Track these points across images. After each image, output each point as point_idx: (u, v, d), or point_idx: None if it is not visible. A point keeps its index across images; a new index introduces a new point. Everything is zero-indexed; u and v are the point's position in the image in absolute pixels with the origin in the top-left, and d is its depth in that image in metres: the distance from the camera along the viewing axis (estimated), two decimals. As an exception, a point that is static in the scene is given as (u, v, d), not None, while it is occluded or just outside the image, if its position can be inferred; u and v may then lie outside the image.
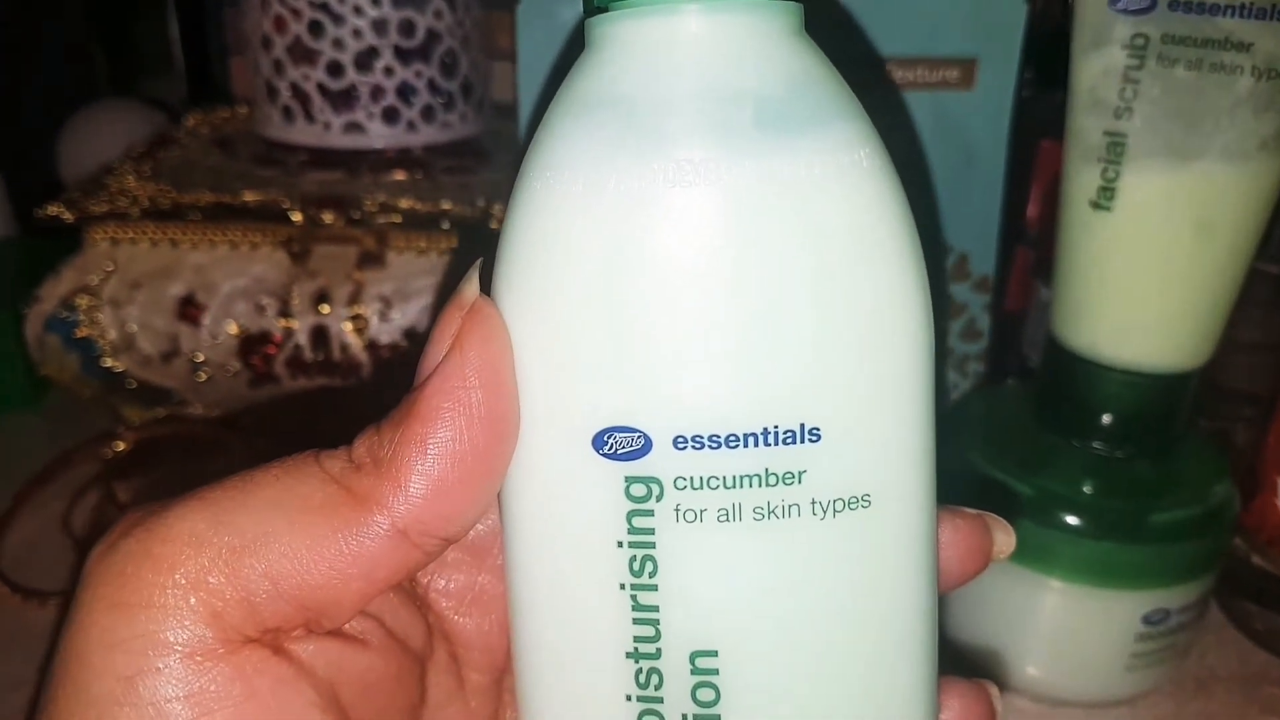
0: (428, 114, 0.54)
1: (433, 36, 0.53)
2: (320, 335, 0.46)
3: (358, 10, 0.51)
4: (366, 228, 0.47)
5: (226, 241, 0.47)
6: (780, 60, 0.18)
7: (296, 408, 0.48)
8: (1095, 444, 0.37)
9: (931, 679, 0.21)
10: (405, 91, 0.53)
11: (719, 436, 0.18)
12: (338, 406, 0.48)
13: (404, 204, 0.47)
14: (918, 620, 0.20)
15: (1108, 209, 0.34)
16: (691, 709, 0.19)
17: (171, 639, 0.18)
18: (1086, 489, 0.36)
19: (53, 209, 0.48)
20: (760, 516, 0.18)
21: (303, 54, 0.52)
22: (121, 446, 0.50)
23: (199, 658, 0.19)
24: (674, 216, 0.17)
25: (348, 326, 0.46)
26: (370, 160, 0.53)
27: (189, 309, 0.47)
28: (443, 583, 0.23)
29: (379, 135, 0.53)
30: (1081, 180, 0.35)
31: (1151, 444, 0.37)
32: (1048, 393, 0.39)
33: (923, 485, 0.20)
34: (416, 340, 0.46)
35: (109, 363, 0.48)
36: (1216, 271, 0.35)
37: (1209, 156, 0.33)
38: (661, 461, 0.18)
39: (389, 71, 0.52)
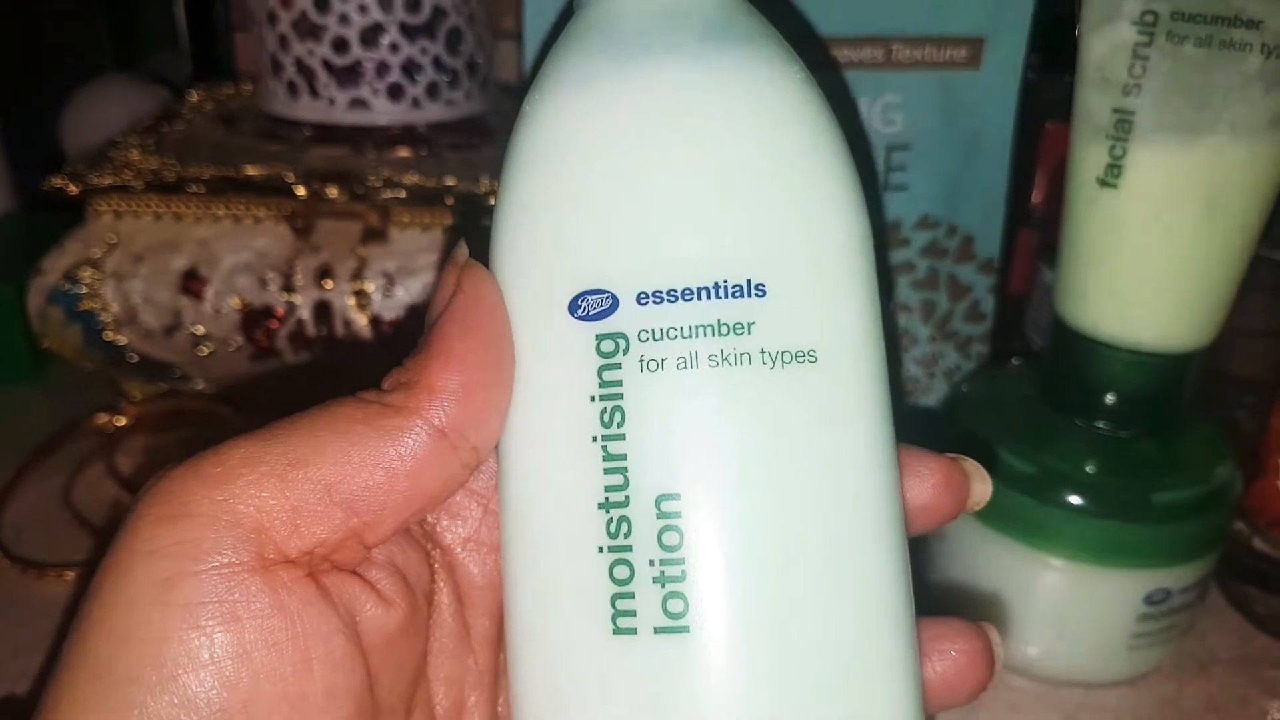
0: (432, 91, 0.54)
1: (438, 13, 0.52)
2: (323, 310, 0.46)
3: (363, -15, 0.51)
4: (370, 203, 0.47)
5: (230, 215, 0.47)
6: (722, 6, 0.22)
7: (298, 381, 0.48)
8: (1099, 423, 0.37)
9: (892, 518, 0.22)
10: (410, 68, 0.53)
11: (675, 291, 0.20)
12: (338, 382, 0.48)
13: (408, 180, 0.47)
14: (873, 468, 0.21)
15: (1115, 186, 0.34)
16: (658, 554, 0.20)
17: (210, 547, 0.19)
18: (1089, 468, 0.36)
19: (56, 182, 0.48)
20: (715, 364, 0.20)
21: (308, 29, 0.51)
22: (123, 420, 0.50)
23: (236, 568, 0.20)
24: (629, 105, 0.21)
25: (351, 302, 0.46)
26: (375, 136, 0.53)
27: (192, 283, 0.47)
28: (451, 526, 0.24)
29: (383, 111, 0.53)
30: (1089, 157, 0.34)
31: (1155, 424, 0.37)
32: (1052, 372, 0.39)
33: (867, 347, 0.22)
34: (420, 316, 0.46)
35: (111, 336, 0.47)
36: (1223, 250, 0.34)
37: (1218, 134, 0.33)
38: (627, 317, 0.21)
39: (394, 48, 0.52)
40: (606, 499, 0.20)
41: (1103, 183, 0.34)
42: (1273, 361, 0.46)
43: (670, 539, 0.20)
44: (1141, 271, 0.35)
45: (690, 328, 0.20)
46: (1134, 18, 0.33)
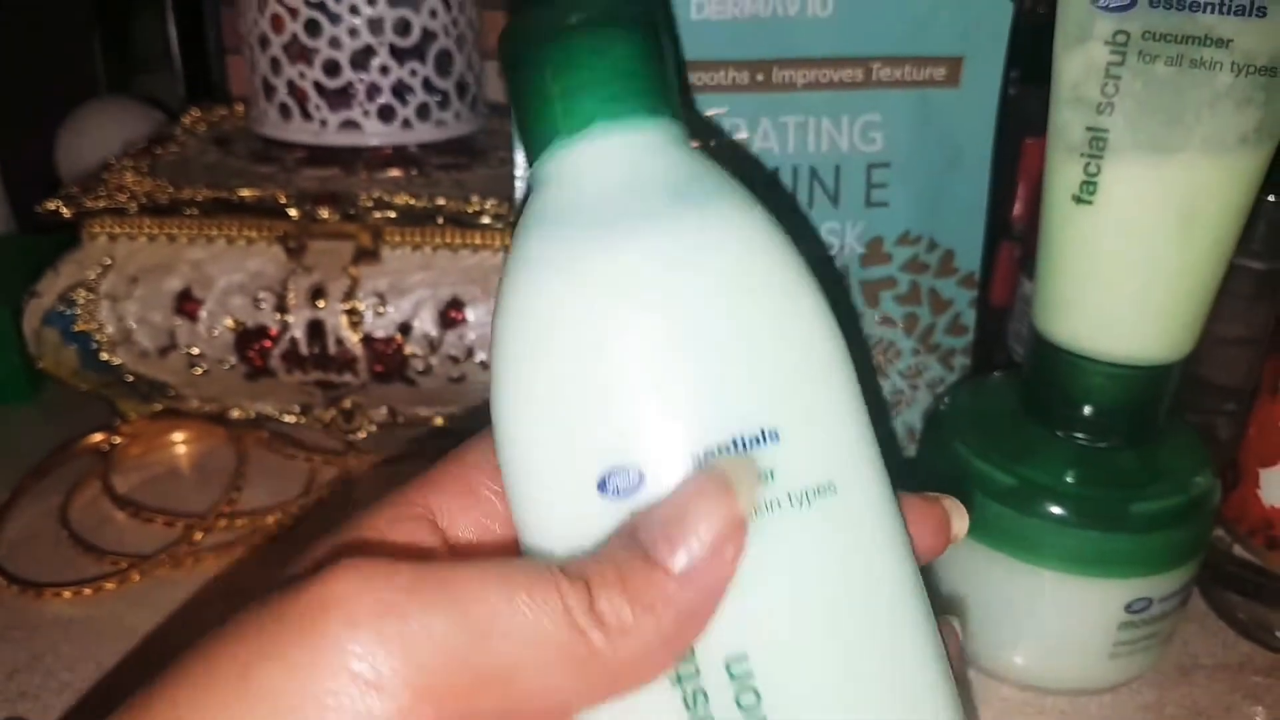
0: (423, 112, 0.54)
1: (428, 35, 0.53)
2: (316, 329, 0.47)
3: (354, 9, 0.51)
4: (361, 223, 0.47)
5: (223, 237, 0.48)
6: (678, 159, 0.23)
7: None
8: (1078, 435, 0.38)
9: (927, 611, 0.23)
10: (401, 90, 0.54)
11: (699, 455, 0.21)
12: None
13: (399, 200, 0.48)
14: (905, 571, 0.23)
15: (1090, 203, 0.35)
16: (739, 717, 0.21)
17: (371, 711, 0.20)
18: (1069, 479, 0.37)
19: (51, 205, 0.49)
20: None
21: (299, 52, 0.52)
22: (118, 439, 0.51)
23: None
24: (621, 284, 0.21)
25: (343, 321, 0.47)
26: (366, 157, 0.53)
27: (186, 303, 0.47)
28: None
29: (375, 133, 0.54)
30: (1064, 174, 0.35)
31: (1134, 435, 0.38)
32: (1032, 384, 0.39)
33: (876, 469, 0.23)
34: (410, 334, 0.46)
35: (106, 356, 0.48)
36: (1198, 264, 0.35)
37: (1190, 151, 0.33)
38: (654, 494, 0.21)
39: (385, 70, 0.53)
40: (678, 673, 0.21)
41: (1078, 199, 0.35)
42: (1251, 369, 0.46)
43: (747, 699, 0.21)
44: (1117, 286, 0.35)
45: None
46: (1106, 38, 0.34)
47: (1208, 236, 0.35)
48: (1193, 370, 0.56)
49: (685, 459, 0.21)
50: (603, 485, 0.21)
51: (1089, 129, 0.34)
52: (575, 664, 0.20)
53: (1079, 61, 0.34)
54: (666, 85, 0.24)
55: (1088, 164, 0.34)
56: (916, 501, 0.25)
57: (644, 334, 0.21)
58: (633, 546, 0.21)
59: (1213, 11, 0.32)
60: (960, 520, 0.26)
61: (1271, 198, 0.51)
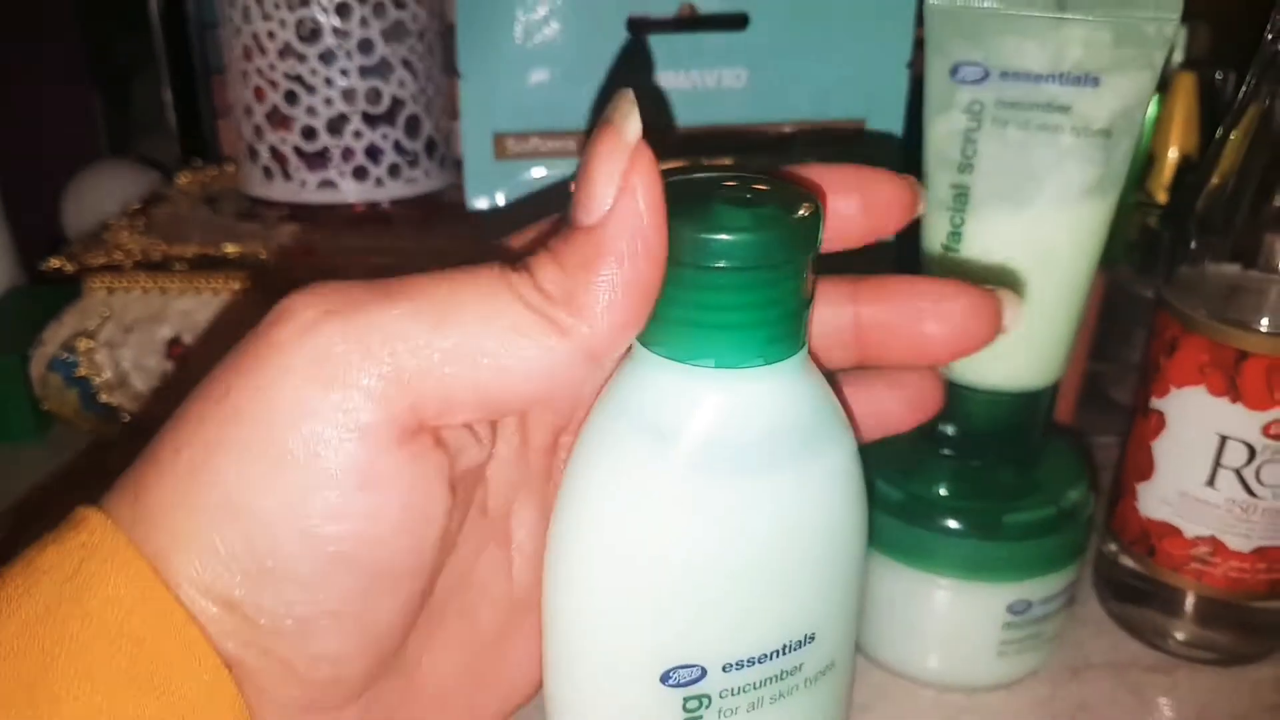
0: (394, 171, 0.60)
1: (397, 103, 0.58)
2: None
3: (329, 82, 0.56)
4: (337, 276, 0.52)
5: (210, 289, 0.53)
6: (796, 397, 0.24)
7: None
8: (960, 453, 0.42)
9: None
10: (373, 152, 0.59)
11: (754, 658, 0.25)
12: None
13: (370, 254, 0.53)
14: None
15: (956, 251, 0.39)
16: None
17: (364, 420, 0.21)
18: (949, 493, 0.41)
19: (55, 261, 0.54)
20: (774, 699, 0.26)
21: (280, 120, 0.57)
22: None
23: (383, 440, 0.21)
24: (720, 520, 0.24)
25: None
26: (342, 213, 0.59)
27: (176, 349, 0.52)
28: None
29: (350, 191, 0.59)
30: (934, 226, 0.40)
31: (1011, 452, 0.42)
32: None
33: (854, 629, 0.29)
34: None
35: (105, 398, 0.53)
36: (1055, 302, 0.40)
37: (1040, 203, 0.38)
38: (713, 682, 0.25)
39: (358, 135, 0.58)
40: None
41: (946, 249, 0.40)
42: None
43: None
44: (984, 322, 0.40)
45: (761, 681, 0.25)
46: (964, 107, 0.38)
47: (1063, 277, 0.39)
48: (1106, 393, 0.61)
49: (746, 657, 0.25)
50: (666, 678, 0.25)
51: (953, 186, 0.39)
52: (534, 344, 0.21)
53: (942, 127, 0.39)
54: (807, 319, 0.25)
55: (953, 216, 0.39)
56: (975, 292, 0.28)
57: (728, 562, 0.24)
58: (561, 228, 0.22)
59: (1053, 82, 0.37)
60: (1012, 311, 0.29)
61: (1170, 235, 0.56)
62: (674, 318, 0.23)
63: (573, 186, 0.22)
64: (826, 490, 0.25)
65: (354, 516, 0.22)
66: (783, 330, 0.23)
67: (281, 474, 0.21)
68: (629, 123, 0.21)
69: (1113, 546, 0.47)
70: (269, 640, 0.22)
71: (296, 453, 0.21)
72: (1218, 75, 0.59)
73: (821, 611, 0.26)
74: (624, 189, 0.21)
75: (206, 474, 0.22)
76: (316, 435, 0.21)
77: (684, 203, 0.22)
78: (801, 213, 0.23)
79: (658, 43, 0.46)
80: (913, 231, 0.42)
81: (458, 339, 0.21)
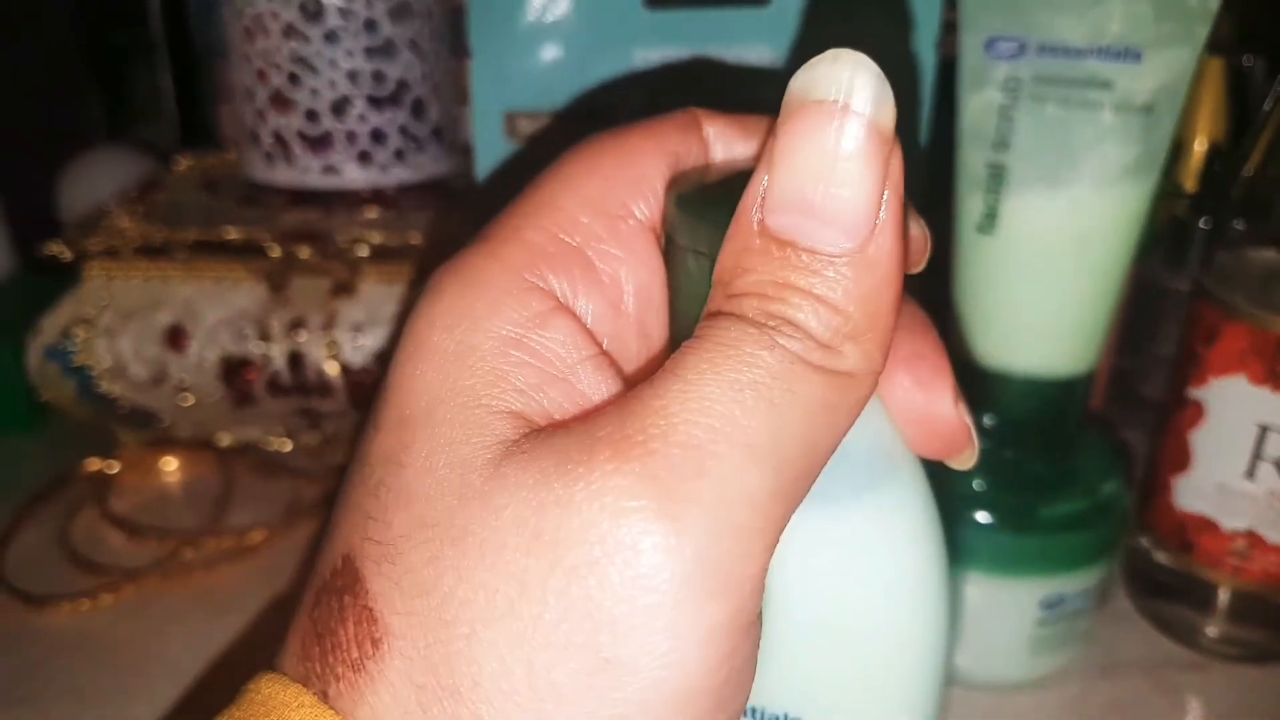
0: (399, 155, 0.58)
1: (403, 86, 0.57)
2: (297, 360, 0.50)
3: (333, 64, 0.55)
4: (339, 260, 0.51)
5: (211, 276, 0.51)
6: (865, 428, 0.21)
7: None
8: (994, 444, 0.41)
9: None
10: (378, 136, 0.57)
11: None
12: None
13: (374, 239, 0.51)
14: None
15: (991, 233, 0.38)
16: None
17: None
18: (984, 485, 0.40)
19: (53, 248, 0.53)
20: None
21: (282, 103, 0.56)
22: (115, 466, 0.54)
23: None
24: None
25: (322, 351, 0.50)
26: (346, 199, 0.57)
27: (177, 337, 0.51)
28: None
29: (353, 176, 0.57)
30: (968, 207, 0.38)
31: (1046, 444, 0.41)
32: (952, 400, 0.42)
33: None
34: (386, 363, 0.50)
35: (103, 388, 0.51)
36: (1092, 286, 0.38)
37: (1079, 183, 0.37)
38: None
39: (362, 118, 0.56)
40: None
41: (981, 230, 0.38)
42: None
43: None
44: (1020, 308, 0.39)
45: None
46: (1000, 83, 0.37)
47: (1100, 260, 0.38)
48: (1135, 388, 0.59)
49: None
50: None
51: (988, 165, 0.38)
52: (845, 411, 0.18)
53: (977, 104, 0.38)
54: None
55: (988, 197, 0.38)
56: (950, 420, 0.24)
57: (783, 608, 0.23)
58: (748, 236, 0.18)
59: (1094, 58, 0.36)
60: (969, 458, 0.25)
61: (1202, 223, 0.55)
62: None
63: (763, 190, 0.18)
64: (893, 525, 0.23)
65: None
66: None
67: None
68: (883, 111, 0.18)
69: (1145, 541, 0.46)
70: None
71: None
72: (1245, 60, 0.57)
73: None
74: (892, 204, 0.18)
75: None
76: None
77: (726, 207, 0.19)
78: None
79: (676, 19, 0.44)
80: (945, 212, 0.41)
81: (796, 471, 0.18)
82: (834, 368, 0.18)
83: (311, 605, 0.19)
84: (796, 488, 0.18)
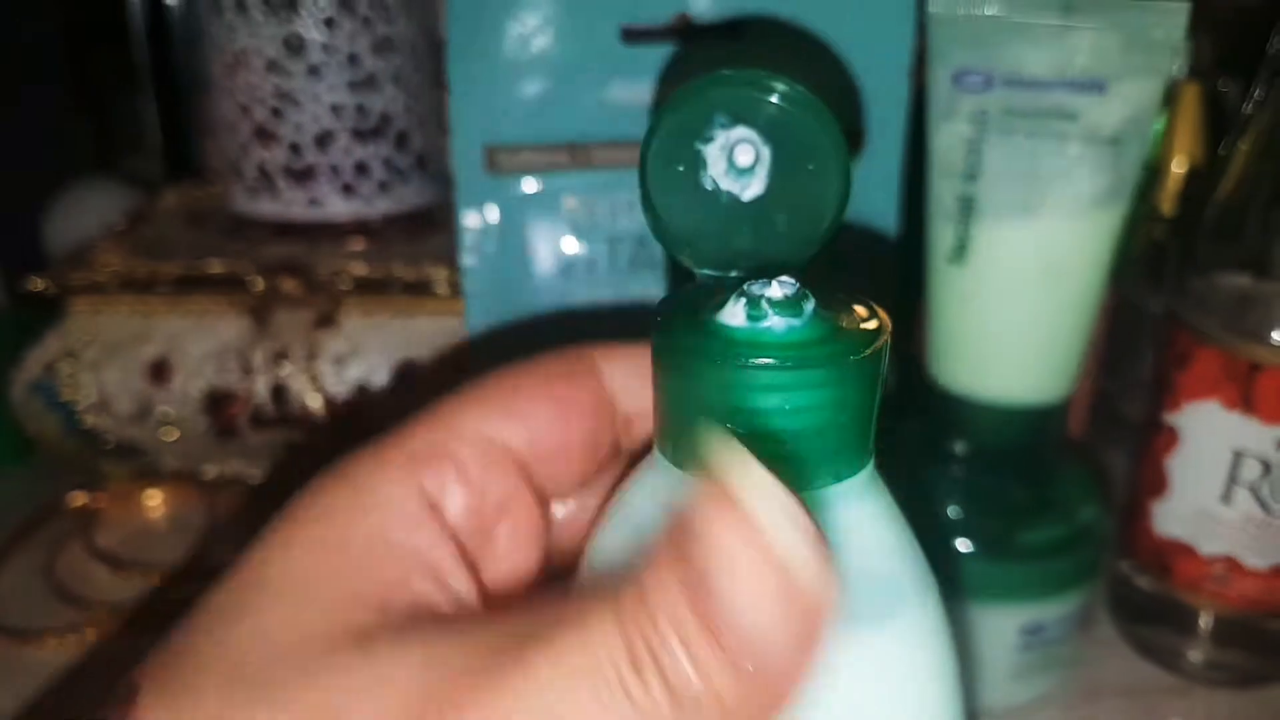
0: (383, 187, 0.58)
1: (386, 119, 0.57)
2: (280, 393, 0.50)
3: (316, 98, 0.55)
4: (323, 293, 0.51)
5: (195, 309, 0.52)
6: (872, 516, 0.21)
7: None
8: (971, 471, 0.41)
9: None
10: (362, 168, 0.57)
11: None
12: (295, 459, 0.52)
13: (356, 271, 0.52)
14: None
15: (962, 262, 0.38)
16: None
17: None
18: (963, 512, 0.40)
19: (38, 283, 0.53)
20: None
21: (266, 137, 0.56)
22: (101, 500, 0.54)
23: None
24: None
25: (305, 383, 0.50)
26: (329, 231, 0.57)
27: (161, 371, 0.51)
28: None
29: (338, 209, 0.58)
30: (939, 237, 0.39)
31: (1024, 470, 0.41)
32: (930, 425, 0.43)
33: None
34: (368, 393, 0.50)
35: (87, 422, 0.52)
36: (1064, 315, 0.39)
37: (1049, 214, 0.37)
38: None
39: (346, 151, 0.57)
40: None
41: (952, 260, 0.38)
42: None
43: None
44: (992, 337, 0.39)
45: None
46: (968, 115, 0.37)
47: (1071, 290, 0.38)
48: (1118, 411, 0.59)
49: None
50: None
51: (958, 196, 0.38)
52: None
53: (947, 136, 0.38)
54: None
55: (958, 228, 0.38)
56: None
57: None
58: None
59: (1060, 90, 0.36)
60: None
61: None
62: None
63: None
64: (911, 654, 0.22)
65: None
66: (870, 441, 0.21)
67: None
68: (824, 580, 0.16)
69: (1126, 566, 0.46)
70: None
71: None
72: (1221, 84, 0.58)
73: None
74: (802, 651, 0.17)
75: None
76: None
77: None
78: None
79: (653, 53, 0.45)
80: (916, 244, 0.41)
81: None
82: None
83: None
84: None
